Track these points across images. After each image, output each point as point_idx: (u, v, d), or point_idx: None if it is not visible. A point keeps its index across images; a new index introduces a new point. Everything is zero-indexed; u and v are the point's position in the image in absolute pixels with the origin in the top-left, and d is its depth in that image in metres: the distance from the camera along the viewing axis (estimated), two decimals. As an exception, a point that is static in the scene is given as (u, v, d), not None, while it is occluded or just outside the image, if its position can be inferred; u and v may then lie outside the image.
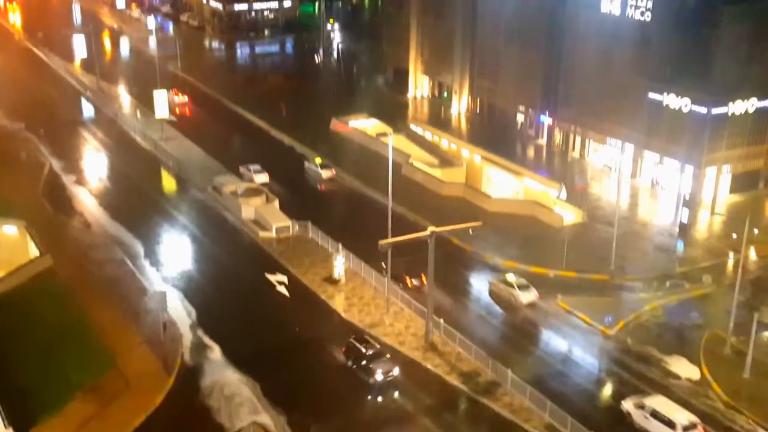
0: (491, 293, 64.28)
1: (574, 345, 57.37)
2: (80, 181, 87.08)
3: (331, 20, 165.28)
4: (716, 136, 79.65)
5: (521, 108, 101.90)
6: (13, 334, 55.34)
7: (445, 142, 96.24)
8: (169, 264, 68.58)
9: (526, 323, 60.14)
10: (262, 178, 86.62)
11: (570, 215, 77.11)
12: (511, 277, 64.16)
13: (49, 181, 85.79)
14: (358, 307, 61.45)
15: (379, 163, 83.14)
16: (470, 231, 64.65)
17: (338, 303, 62.05)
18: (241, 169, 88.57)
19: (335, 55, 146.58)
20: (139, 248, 71.01)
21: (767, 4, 78.73)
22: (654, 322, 60.09)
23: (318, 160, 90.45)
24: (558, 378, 53.14)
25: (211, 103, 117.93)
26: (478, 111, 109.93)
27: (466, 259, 69.35)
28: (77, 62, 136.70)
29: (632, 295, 63.72)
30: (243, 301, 62.73)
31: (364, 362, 52.24)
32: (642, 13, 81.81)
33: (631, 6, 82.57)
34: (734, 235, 70.37)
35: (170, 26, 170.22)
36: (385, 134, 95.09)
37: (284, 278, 65.92)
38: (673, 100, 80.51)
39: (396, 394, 51.16)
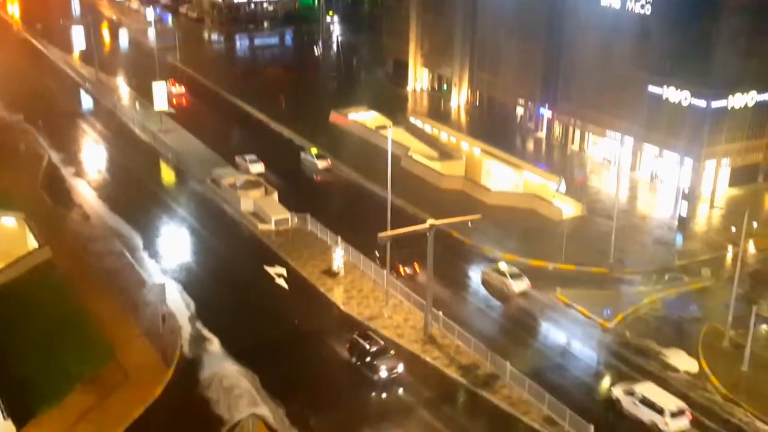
0: (484, 282, 64.64)
1: (572, 338, 57.44)
2: (79, 173, 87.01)
3: (331, 12, 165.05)
4: (716, 129, 79.64)
5: (521, 101, 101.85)
6: (12, 326, 55.36)
7: (445, 135, 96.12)
8: (168, 256, 68.58)
9: (524, 316, 60.18)
10: (258, 167, 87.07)
11: (569, 208, 77.11)
12: (503, 266, 64.52)
13: (48, 173, 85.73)
14: (357, 299, 61.48)
15: (378, 155, 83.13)
16: (469, 224, 64.67)
17: (337, 295, 62.08)
18: (237, 159, 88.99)
19: (335, 47, 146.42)
20: (138, 240, 71.00)
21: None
22: (653, 315, 60.16)
23: (314, 151, 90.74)
24: (557, 371, 53.21)
25: (210, 95, 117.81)
26: (477, 104, 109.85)
27: (465, 251, 69.37)
28: (76, 54, 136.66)
29: (631, 288, 63.78)
30: (242, 293, 62.75)
31: (368, 359, 51.93)
32: (642, 6, 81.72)
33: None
34: (733, 229, 70.46)
35: (169, 18, 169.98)
36: (384, 127, 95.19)
37: (283, 271, 65.94)
38: (672, 94, 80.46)
39: (400, 390, 50.97)
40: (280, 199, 77.09)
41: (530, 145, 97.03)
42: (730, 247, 69.79)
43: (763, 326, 57.39)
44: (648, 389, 48.99)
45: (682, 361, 53.82)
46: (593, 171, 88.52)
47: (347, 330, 57.14)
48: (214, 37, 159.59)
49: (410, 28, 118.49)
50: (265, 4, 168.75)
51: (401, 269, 64.25)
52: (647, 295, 62.30)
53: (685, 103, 79.53)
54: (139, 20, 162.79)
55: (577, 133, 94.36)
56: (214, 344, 55.59)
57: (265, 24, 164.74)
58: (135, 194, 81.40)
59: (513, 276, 63.09)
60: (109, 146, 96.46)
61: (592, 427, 45.69)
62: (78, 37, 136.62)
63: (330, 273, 64.86)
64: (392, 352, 52.95)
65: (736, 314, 55.81)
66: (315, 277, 64.73)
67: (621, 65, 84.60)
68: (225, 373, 52.17)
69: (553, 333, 58.30)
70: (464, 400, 50.65)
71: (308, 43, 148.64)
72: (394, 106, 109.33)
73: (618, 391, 50.01)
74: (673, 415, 47.04)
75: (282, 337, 56.65)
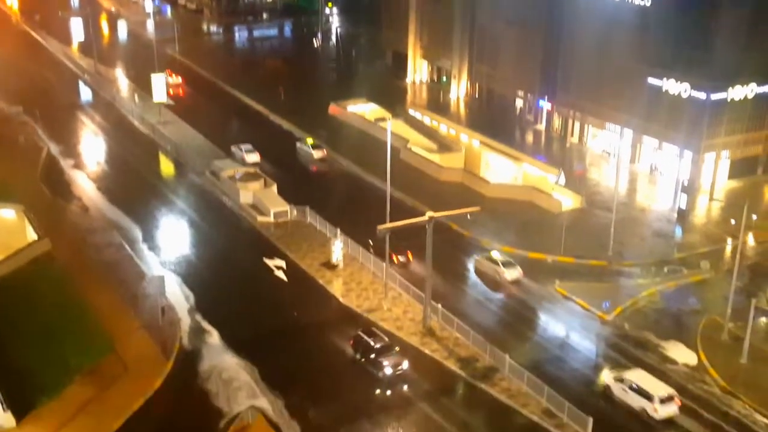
0: (476, 270, 64.82)
1: (571, 330, 57.50)
2: (78, 165, 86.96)
3: (330, 4, 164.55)
4: (715, 121, 79.57)
5: (520, 93, 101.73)
6: (11, 318, 55.34)
7: (444, 127, 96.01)
8: (168, 248, 68.58)
9: (523, 308, 60.22)
10: (254, 157, 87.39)
11: (568, 201, 77.11)
12: (495, 254, 64.84)
13: (47, 165, 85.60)
14: (356, 292, 61.50)
15: (377, 147, 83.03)
16: (468, 216, 64.65)
17: (336, 288, 62.09)
18: (233, 149, 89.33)
19: (334, 39, 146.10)
20: (138, 233, 70.99)
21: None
22: (652, 307, 60.22)
23: (309, 141, 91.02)
24: (556, 363, 53.28)
25: (209, 86, 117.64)
26: (477, 96, 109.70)
27: (464, 244, 69.36)
28: (75, 45, 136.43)
29: (630, 280, 63.81)
30: (241, 285, 62.78)
31: (372, 356, 51.59)
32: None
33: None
34: (732, 221, 70.45)
35: (168, 9, 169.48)
36: (383, 119, 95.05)
37: (282, 263, 65.96)
38: (672, 86, 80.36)
39: (405, 387, 50.67)
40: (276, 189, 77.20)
41: (529, 138, 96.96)
42: (729, 240, 69.82)
43: (762, 319, 57.51)
44: (638, 376, 49.53)
45: (681, 354, 53.89)
46: (592, 163, 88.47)
47: (346, 322, 57.25)
48: (213, 28, 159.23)
49: (410, 19, 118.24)
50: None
51: (395, 257, 64.40)
52: (646, 288, 62.34)
53: (684, 95, 79.43)
54: (137, 12, 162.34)
55: (577, 125, 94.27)
56: (214, 336, 55.65)
57: (264, 15, 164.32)
58: (134, 186, 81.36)
59: (505, 264, 63.52)
60: (108, 138, 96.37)
61: (590, 420, 45.76)
62: (77, 28, 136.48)
63: (329, 265, 64.88)
64: (397, 348, 52.55)
65: (735, 307, 55.87)
66: (314, 269, 64.74)
67: (620, 57, 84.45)
68: (224, 365, 52.22)
69: (552, 325, 58.35)
70: (463, 393, 50.71)
71: (307, 35, 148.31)
72: (393, 98, 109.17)
73: (608, 378, 50.59)
74: (662, 401, 47.61)
75: (281, 330, 56.66)
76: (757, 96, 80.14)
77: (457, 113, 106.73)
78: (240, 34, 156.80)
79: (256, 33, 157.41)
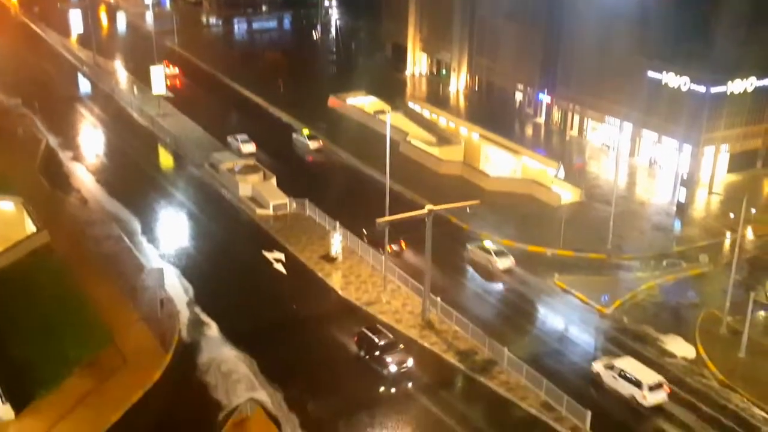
0: (469, 259, 65.29)
1: (570, 324, 57.51)
2: (77, 158, 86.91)
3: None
4: (715, 115, 79.53)
5: (520, 86, 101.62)
6: (10, 310, 55.33)
7: (443, 120, 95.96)
8: (167, 241, 68.55)
9: (522, 302, 60.24)
10: (249, 147, 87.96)
11: (568, 194, 77.10)
12: (488, 243, 65.36)
13: (45, 157, 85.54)
14: (355, 285, 61.50)
15: (376, 140, 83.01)
16: (468, 209, 64.57)
17: (335, 281, 62.09)
18: (229, 139, 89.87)
19: (333, 31, 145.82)
20: (136, 225, 70.97)
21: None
22: (650, 301, 60.24)
23: (305, 132, 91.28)
24: (554, 356, 53.30)
25: (208, 79, 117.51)
26: (476, 89, 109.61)
27: (463, 237, 69.29)
28: (74, 37, 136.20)
29: (629, 274, 63.83)
30: (240, 278, 62.77)
31: (377, 353, 51.19)
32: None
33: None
34: (731, 215, 70.48)
35: (167, 1, 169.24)
36: (382, 112, 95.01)
37: (281, 256, 65.94)
38: (672, 79, 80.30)
39: (410, 384, 50.36)
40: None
41: (529, 131, 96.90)
42: (728, 233, 69.81)
43: (761, 312, 57.52)
44: (627, 364, 49.97)
45: (680, 347, 53.93)
46: (592, 156, 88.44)
47: (346, 315, 57.28)
48: (212, 20, 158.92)
49: (409, 12, 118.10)
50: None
51: (388, 246, 64.55)
52: (645, 281, 62.35)
53: (684, 89, 79.38)
54: (136, 4, 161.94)
55: (576, 118, 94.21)
56: (213, 329, 55.64)
57: (264, 8, 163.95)
58: (133, 179, 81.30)
59: (497, 254, 64.14)
60: (107, 130, 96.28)
61: (588, 413, 45.82)
62: (76, 20, 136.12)
63: (328, 258, 64.87)
64: (401, 346, 52.13)
65: (733, 300, 55.83)
66: (313, 262, 64.73)
67: (620, 50, 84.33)
68: (223, 357, 52.23)
69: (551, 319, 58.37)
70: (462, 386, 50.73)
71: (307, 27, 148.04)
72: (392, 90, 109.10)
73: (598, 366, 51.04)
74: (651, 388, 48.12)
75: (280, 322, 56.67)
76: (757, 89, 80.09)
77: (457, 106, 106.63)
78: (239, 26, 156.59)
79: (256, 25, 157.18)
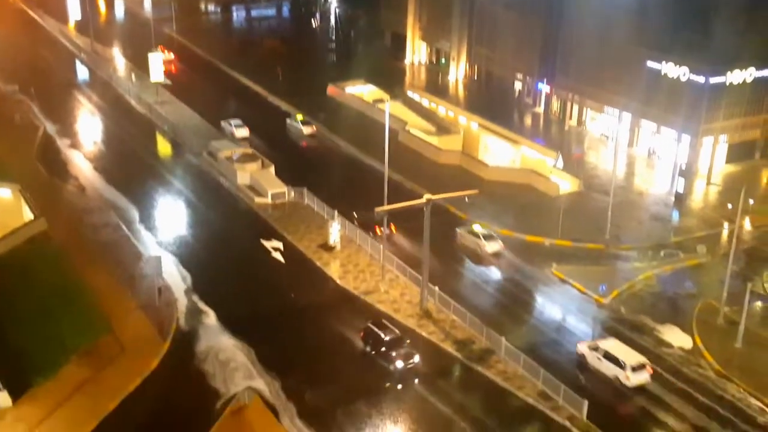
0: (458, 243, 65.64)
1: (568, 313, 57.60)
2: (75, 145, 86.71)
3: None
4: (714, 105, 79.43)
5: (519, 75, 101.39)
6: (7, 297, 55.32)
7: (443, 110, 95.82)
8: (165, 229, 68.50)
9: (520, 291, 60.32)
10: (243, 132, 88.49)
11: (566, 184, 77.08)
12: (477, 227, 66.02)
13: (43, 145, 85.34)
14: (353, 274, 61.51)
15: (375, 129, 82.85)
16: (466, 199, 64.56)
17: (333, 270, 62.10)
18: (222, 124, 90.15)
19: (332, 19, 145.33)
20: (134, 213, 70.89)
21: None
22: (648, 291, 60.33)
23: (299, 117, 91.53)
24: (552, 346, 53.41)
25: (207, 66, 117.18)
26: (475, 78, 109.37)
27: (461, 227, 69.22)
28: (71, 24, 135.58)
29: (627, 264, 63.91)
30: (238, 266, 62.76)
31: (383, 349, 50.82)
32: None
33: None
34: (729, 206, 70.54)
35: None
36: (381, 100, 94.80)
37: (279, 244, 65.93)
38: (671, 69, 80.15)
39: (416, 381, 49.98)
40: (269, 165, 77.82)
41: (528, 120, 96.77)
42: (726, 224, 69.87)
43: (758, 303, 57.64)
44: (611, 345, 50.65)
45: (677, 337, 54.09)
46: (591, 147, 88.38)
47: (344, 304, 57.32)
48: (211, 8, 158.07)
49: (409, 0, 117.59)
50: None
51: (378, 229, 64.80)
52: (643, 272, 62.43)
53: (683, 79, 79.26)
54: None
55: (575, 108, 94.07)
56: (210, 317, 55.66)
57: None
58: (131, 166, 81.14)
59: (486, 237, 64.86)
60: (104, 118, 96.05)
61: (585, 403, 45.94)
62: (73, 7, 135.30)
63: (326, 247, 64.85)
64: (408, 341, 51.88)
65: (730, 291, 55.90)
66: (311, 251, 64.72)
67: (620, 40, 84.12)
68: (221, 346, 52.26)
69: (549, 308, 58.47)
70: (459, 375, 50.83)
71: (306, 15, 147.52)
72: (391, 79, 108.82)
73: (583, 347, 51.69)
74: (634, 369, 48.79)
75: (278, 311, 56.72)
76: (756, 80, 79.97)
77: (456, 95, 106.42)
78: (238, 14, 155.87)
79: (254, 13, 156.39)
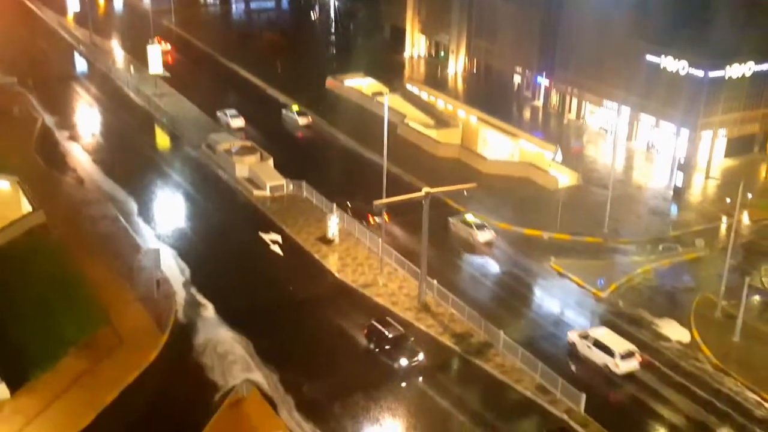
0: (451, 232, 66.32)
1: (566, 307, 57.64)
2: (73, 137, 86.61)
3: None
4: (713, 99, 79.36)
5: (518, 69, 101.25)
6: (5, 290, 55.29)
7: (441, 103, 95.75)
8: (163, 221, 68.46)
9: (519, 285, 60.35)
10: (238, 122, 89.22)
11: (565, 177, 77.08)
12: (469, 217, 66.77)
13: (41, 137, 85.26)
14: (351, 267, 61.52)
15: (374, 122, 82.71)
16: (465, 192, 64.76)
17: (332, 263, 62.11)
18: (218, 113, 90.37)
19: (332, 12, 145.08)
20: (133, 205, 70.85)
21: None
22: (646, 285, 60.39)
23: (295, 107, 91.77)
24: (550, 340, 53.46)
25: (205, 58, 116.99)
26: (474, 71, 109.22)
27: (454, 216, 69.15)
28: (70, 16, 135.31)
29: (625, 258, 63.94)
30: (236, 259, 62.74)
31: (387, 346, 50.56)
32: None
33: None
34: (728, 200, 70.55)
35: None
36: (380, 93, 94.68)
37: (278, 237, 65.91)
38: (670, 63, 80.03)
39: (420, 379, 49.74)
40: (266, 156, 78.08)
41: (527, 114, 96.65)
42: (724, 218, 69.92)
43: (755, 297, 57.71)
44: (601, 333, 51.18)
45: (674, 331, 54.22)
46: (590, 140, 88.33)
47: (342, 297, 57.34)
48: (210, 0, 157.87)
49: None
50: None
51: (371, 218, 64.88)
52: (641, 265, 62.49)
53: (682, 73, 79.14)
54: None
55: (574, 102, 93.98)
56: (209, 310, 55.67)
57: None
58: (129, 159, 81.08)
59: (478, 227, 65.59)
60: (103, 110, 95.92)
61: (583, 396, 46.01)
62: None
63: (325, 240, 64.85)
64: (412, 338, 51.64)
65: (728, 285, 55.97)
66: (310, 244, 64.72)
67: (619, 34, 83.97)
68: (219, 338, 52.30)
69: (547, 302, 58.49)
70: (457, 368, 50.89)
71: (305, 8, 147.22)
72: (390, 72, 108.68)
73: (574, 336, 52.14)
74: (623, 357, 49.29)
75: (276, 304, 56.74)
76: (755, 74, 79.89)
77: (455, 89, 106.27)
78: (237, 6, 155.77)
79: (254, 5, 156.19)
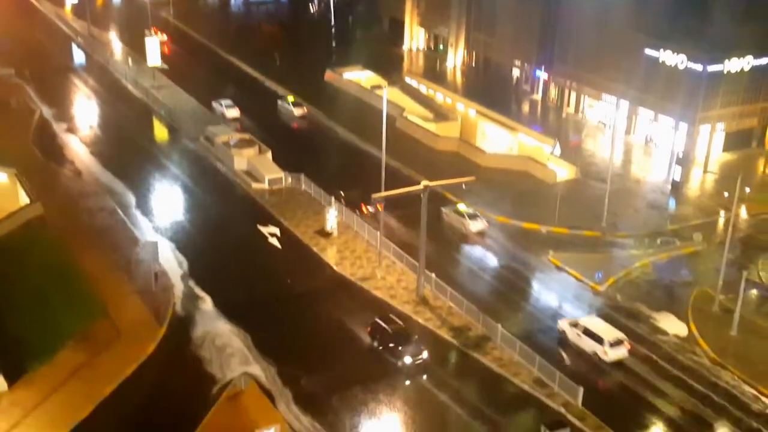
0: (444, 222, 66.68)
1: (564, 301, 57.68)
2: (71, 129, 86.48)
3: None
4: (711, 93, 79.33)
5: (517, 62, 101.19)
6: (3, 282, 55.24)
7: (440, 96, 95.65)
8: (161, 214, 68.40)
9: (517, 278, 60.37)
10: (233, 112, 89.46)
11: (563, 171, 77.07)
12: (462, 207, 67.23)
13: (39, 129, 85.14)
14: (350, 260, 61.52)
15: (373, 115, 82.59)
16: (464, 186, 64.72)
17: (330, 256, 62.09)
18: (213, 104, 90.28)
19: (330, 4, 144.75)
20: (131, 198, 70.79)
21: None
22: (644, 278, 60.45)
23: (290, 98, 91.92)
24: (548, 333, 53.51)
25: (204, 51, 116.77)
26: (473, 65, 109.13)
27: (447, 206, 69.11)
28: (68, 7, 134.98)
29: (623, 251, 63.97)
30: (235, 252, 62.70)
31: (391, 344, 50.23)
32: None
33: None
34: (726, 194, 70.55)
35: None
36: (379, 87, 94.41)
37: (276, 230, 65.89)
38: (669, 57, 79.98)
39: (425, 377, 49.51)
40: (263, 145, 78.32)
41: (526, 107, 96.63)
42: (722, 212, 69.97)
43: (753, 291, 57.84)
44: (590, 322, 51.73)
45: (672, 325, 54.28)
46: (588, 134, 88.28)
47: (340, 290, 57.34)
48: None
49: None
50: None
51: (364, 208, 64.98)
52: (639, 259, 62.53)
53: (681, 67, 79.09)
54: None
55: (573, 95, 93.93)
56: (207, 303, 55.66)
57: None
58: (127, 151, 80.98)
59: (470, 216, 66.12)
60: (101, 102, 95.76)
61: (581, 389, 46.08)
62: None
63: (323, 233, 64.83)
64: (416, 336, 51.37)
65: (726, 279, 56.06)
66: (308, 237, 64.69)
67: (618, 27, 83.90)
68: (217, 331, 52.30)
69: (545, 296, 58.54)
70: (455, 362, 50.93)
71: (304, 0, 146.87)
72: (389, 65, 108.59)
73: (564, 324, 52.63)
74: (612, 345, 49.84)
75: (274, 297, 56.74)
76: (753, 68, 79.83)
77: (454, 82, 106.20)
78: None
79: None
